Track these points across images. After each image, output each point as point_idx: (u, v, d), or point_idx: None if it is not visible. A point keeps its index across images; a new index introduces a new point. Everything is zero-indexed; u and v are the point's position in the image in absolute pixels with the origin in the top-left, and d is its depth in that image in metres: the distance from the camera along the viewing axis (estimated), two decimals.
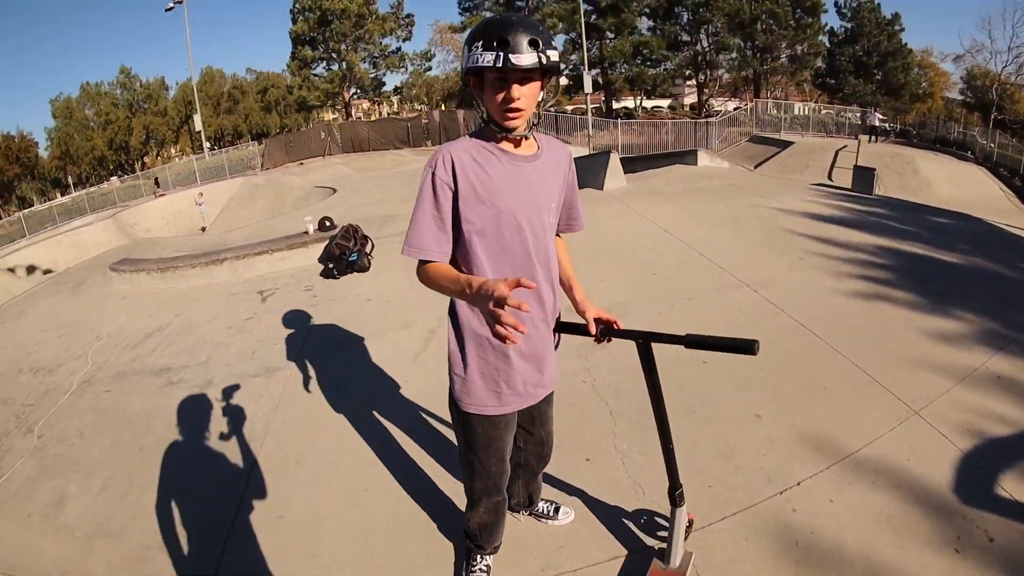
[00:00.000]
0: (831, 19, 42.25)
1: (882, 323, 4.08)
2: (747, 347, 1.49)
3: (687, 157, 11.82)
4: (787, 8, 38.51)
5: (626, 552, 2.35)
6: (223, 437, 3.75)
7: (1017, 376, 3.38)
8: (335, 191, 17.24)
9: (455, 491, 2.79)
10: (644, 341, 1.79)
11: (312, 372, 4.39)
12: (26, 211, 31.24)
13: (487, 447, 1.89)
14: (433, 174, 1.63)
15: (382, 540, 2.62)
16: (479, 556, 2.22)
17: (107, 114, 53.61)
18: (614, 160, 8.97)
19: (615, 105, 43.61)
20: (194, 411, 4.21)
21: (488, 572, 2.21)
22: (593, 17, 39.00)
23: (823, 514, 2.42)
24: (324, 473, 3.18)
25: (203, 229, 21.36)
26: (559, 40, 40.57)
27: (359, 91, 43.16)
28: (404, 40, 42.41)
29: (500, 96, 1.58)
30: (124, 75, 55.77)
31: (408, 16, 41.53)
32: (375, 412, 3.68)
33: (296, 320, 5.51)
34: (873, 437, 2.83)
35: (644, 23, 41.46)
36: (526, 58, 1.49)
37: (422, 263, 1.67)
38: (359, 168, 25.45)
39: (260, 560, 2.64)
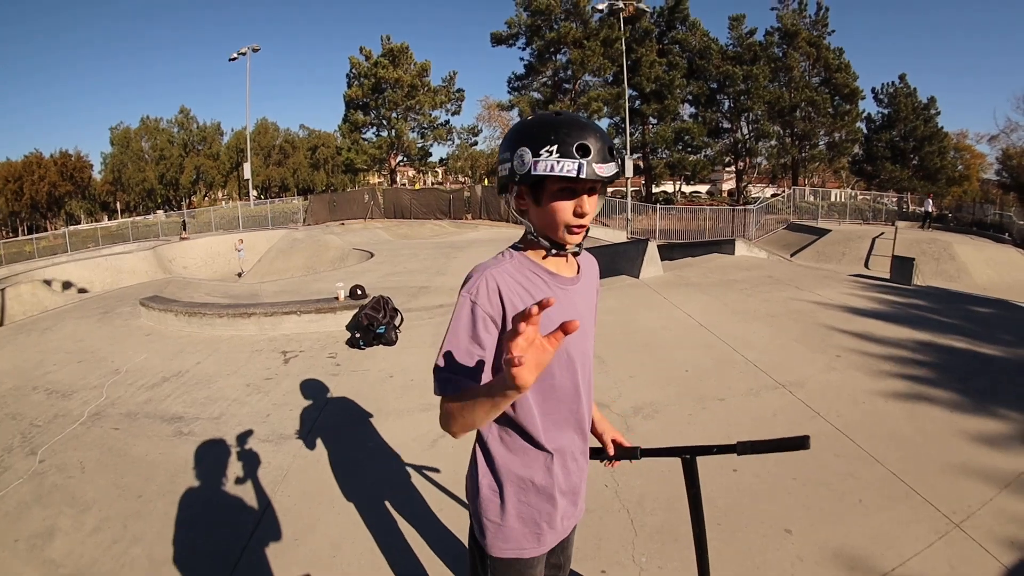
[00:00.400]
0: (868, 105, 42.61)
1: (922, 426, 3.87)
2: (799, 443, 1.51)
3: (725, 246, 11.70)
4: (826, 96, 39.17)
5: None
6: (224, 502, 3.63)
7: None
8: (372, 255, 17.49)
9: None
10: (691, 456, 1.69)
11: (324, 447, 4.25)
12: (71, 228, 32.36)
13: None
14: (474, 305, 1.38)
15: None
16: None
17: (162, 149, 56.51)
18: (651, 248, 8.90)
19: (654, 189, 44.19)
20: (199, 468, 4.11)
21: None
22: (637, 103, 40.10)
23: None
24: (322, 557, 3.04)
25: (239, 275, 21.82)
26: (602, 124, 41.75)
27: (405, 158, 44.44)
28: (453, 113, 43.66)
29: (568, 209, 1.40)
30: (183, 115, 59.05)
31: (459, 91, 43.00)
32: (385, 498, 3.51)
33: (315, 388, 5.42)
34: (910, 554, 2.63)
35: (686, 110, 42.37)
36: (608, 168, 1.35)
37: (447, 400, 1.39)
38: (398, 235, 25.99)
39: None
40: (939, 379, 4.65)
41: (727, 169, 46.14)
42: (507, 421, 1.49)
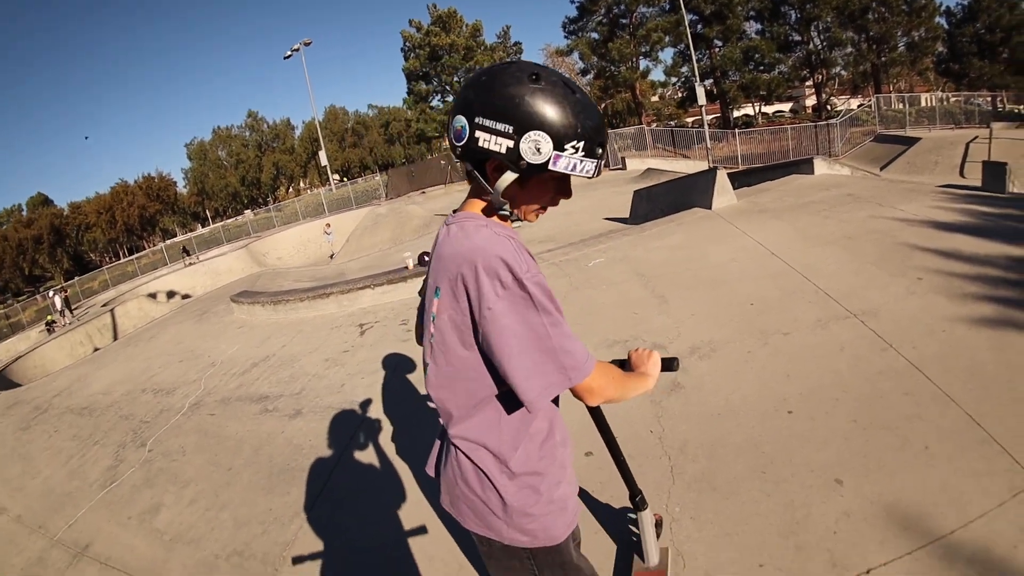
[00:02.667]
0: None
1: (1010, 359, 3.31)
2: (668, 365, 1.58)
3: (803, 167, 10.89)
4: None
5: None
6: (299, 465, 4.04)
7: None
8: None
9: None
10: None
11: (389, 410, 4.50)
12: (167, 242, 34.78)
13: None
14: (539, 282, 1.25)
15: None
16: None
17: (238, 154, 59.69)
18: (721, 177, 8.44)
19: (734, 114, 42.06)
20: (280, 439, 4.54)
21: None
22: (699, 27, 38.02)
23: None
24: (379, 508, 3.32)
25: (331, 256, 22.66)
26: (666, 53, 39.82)
27: None
28: None
29: (553, 196, 1.36)
30: (252, 118, 62.23)
31: (516, 44, 42.44)
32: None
33: (386, 354, 5.63)
34: (976, 513, 2.29)
35: (751, 27, 39.87)
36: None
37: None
38: None
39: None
40: None
41: (806, 84, 43.08)
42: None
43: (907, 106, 27.58)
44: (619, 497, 2.65)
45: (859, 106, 30.30)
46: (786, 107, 50.33)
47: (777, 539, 2.38)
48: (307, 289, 8.86)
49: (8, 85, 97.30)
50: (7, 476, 6.03)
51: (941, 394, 3.08)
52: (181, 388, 6.69)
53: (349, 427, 4.42)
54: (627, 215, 11.28)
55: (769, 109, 48.26)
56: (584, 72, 41.67)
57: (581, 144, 1.22)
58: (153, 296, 18.61)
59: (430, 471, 1.61)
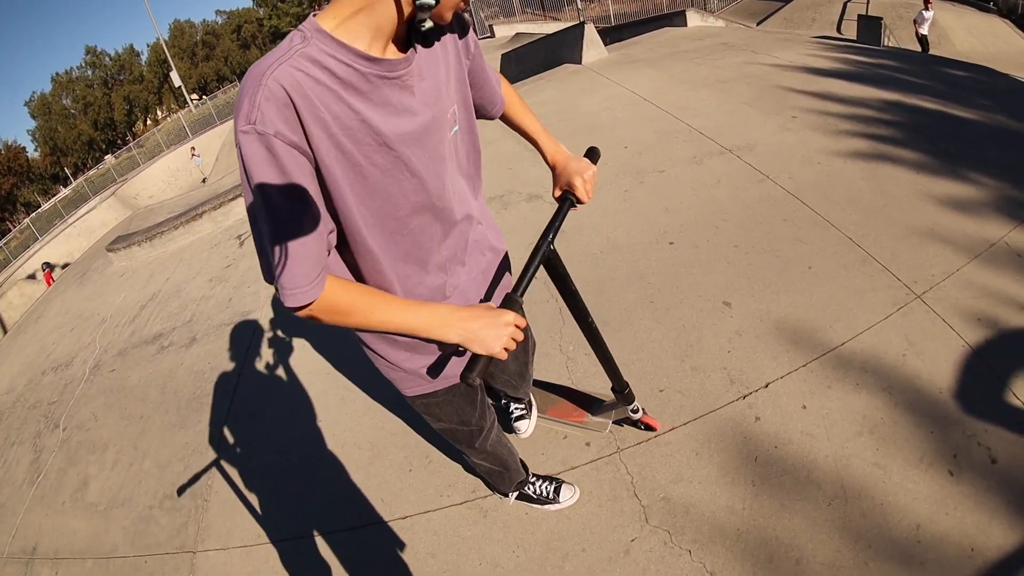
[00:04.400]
0: None
1: (884, 188, 3.53)
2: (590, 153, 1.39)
3: (675, 19, 10.90)
4: None
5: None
6: (204, 391, 4.02)
7: None
8: None
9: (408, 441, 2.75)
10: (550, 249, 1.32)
11: (279, 311, 4.46)
12: (32, 215, 31.55)
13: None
14: (270, 139, 0.88)
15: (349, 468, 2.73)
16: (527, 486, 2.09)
17: (84, 97, 53.63)
18: (590, 31, 8.31)
19: None
20: (181, 372, 4.46)
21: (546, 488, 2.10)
22: None
23: (792, 423, 2.12)
24: (286, 410, 3.35)
25: (203, 180, 21.52)
26: None
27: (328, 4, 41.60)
28: None
29: None
30: (91, 54, 55.84)
31: None
32: (333, 343, 3.74)
33: None
34: (864, 327, 2.44)
35: None
36: None
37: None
38: None
39: (237, 504, 2.91)
40: (905, 139, 4.25)
41: None
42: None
43: None
44: None
45: None
46: None
47: (673, 362, 2.49)
48: (179, 215, 8.37)
49: None
50: None
51: (820, 219, 3.24)
52: (78, 355, 6.35)
53: (244, 340, 4.34)
54: None
55: None
56: None
57: None
58: (32, 277, 17.16)
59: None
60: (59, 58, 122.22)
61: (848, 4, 17.94)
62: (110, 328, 6.41)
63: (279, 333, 4.13)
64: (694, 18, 10.66)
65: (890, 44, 9.02)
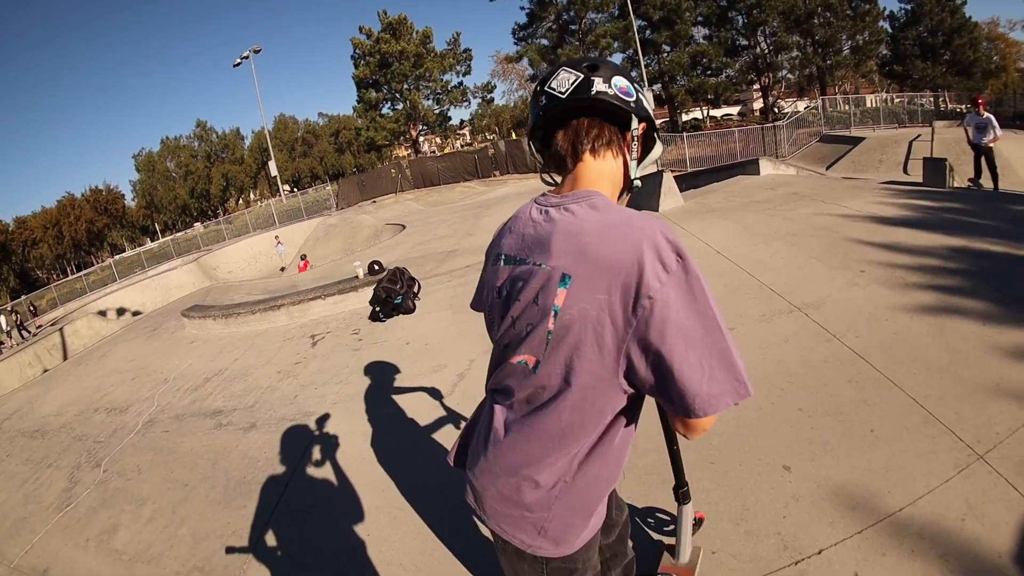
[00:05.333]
0: (890, 3, 40.37)
1: (950, 343, 3.47)
2: None
3: (749, 167, 11.25)
4: None
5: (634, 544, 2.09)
6: (255, 479, 4.00)
7: None
8: (404, 227, 17.72)
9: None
10: None
11: (341, 420, 4.50)
12: (116, 258, 33.64)
13: None
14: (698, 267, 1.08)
15: None
16: None
17: (187, 165, 57.49)
18: (667, 179, 8.64)
19: (683, 118, 42.74)
20: (235, 453, 4.49)
21: None
22: (647, 32, 38.58)
23: None
24: (335, 517, 3.32)
25: (282, 269, 22.29)
26: (615, 58, 40.43)
27: (425, 127, 44.12)
28: (464, 74, 43.02)
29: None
30: (200, 128, 59.95)
31: (466, 51, 42.23)
32: (392, 459, 3.73)
33: (338, 365, 5.63)
34: (923, 491, 2.36)
35: (699, 32, 40.53)
36: None
37: None
38: (428, 203, 26.19)
39: None
40: (972, 288, 4.21)
41: (754, 88, 44.03)
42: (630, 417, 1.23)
43: (852, 107, 28.58)
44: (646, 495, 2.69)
45: (805, 108, 31.15)
46: (734, 110, 51.49)
47: (728, 525, 2.42)
48: (258, 301, 8.71)
49: None
50: None
51: (884, 379, 3.19)
52: (134, 406, 6.57)
53: (303, 439, 4.39)
54: None
55: (717, 112, 49.23)
56: (533, 79, 42.08)
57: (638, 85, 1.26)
58: (103, 314, 17.93)
59: (450, 461, 1.51)
60: (171, 123, 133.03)
61: (913, 143, 17.98)
62: (171, 390, 6.61)
63: (340, 440, 4.18)
64: (766, 166, 11.00)
65: (955, 184, 9.07)
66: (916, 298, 4.16)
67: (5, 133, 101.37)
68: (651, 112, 1.26)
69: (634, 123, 1.22)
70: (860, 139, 20.17)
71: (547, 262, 1.12)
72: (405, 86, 41.03)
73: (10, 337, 20.50)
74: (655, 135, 1.30)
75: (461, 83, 43.03)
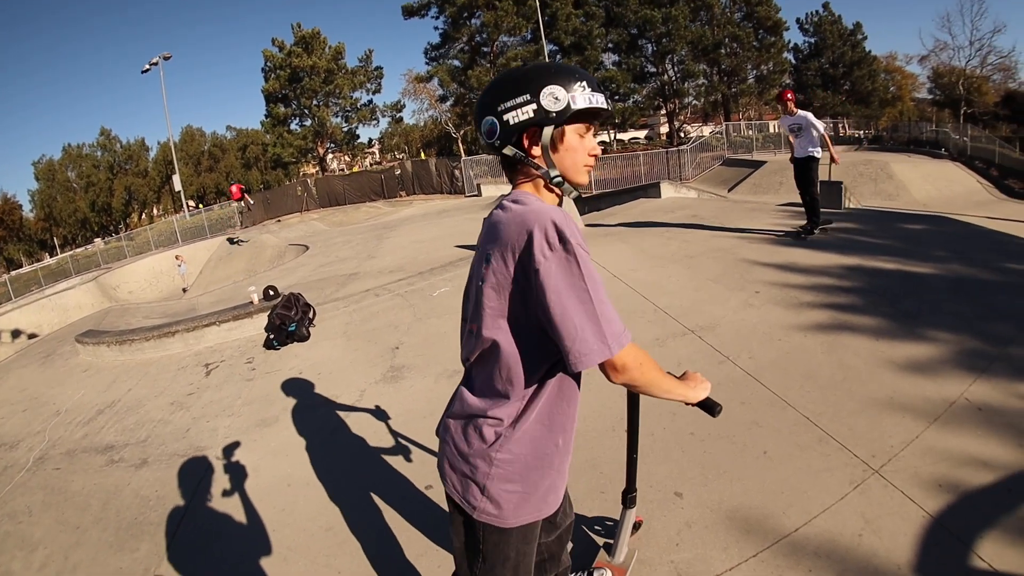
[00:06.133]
0: (794, 36, 43.29)
1: (843, 360, 3.61)
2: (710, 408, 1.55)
3: (651, 190, 11.59)
4: (749, 30, 38.97)
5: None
6: (147, 519, 3.79)
7: (1003, 402, 2.95)
8: (307, 248, 17.38)
9: None
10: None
11: (233, 454, 4.33)
12: (12, 274, 31.11)
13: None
14: (585, 252, 1.30)
15: None
16: None
17: (89, 176, 54.35)
18: (567, 203, 8.79)
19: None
20: (126, 492, 4.23)
21: None
22: (558, 57, 39.00)
23: None
24: (227, 555, 3.18)
25: (184, 290, 21.31)
26: None
27: (333, 145, 43.23)
28: (374, 92, 42.43)
29: (588, 147, 1.46)
30: (104, 136, 56.76)
31: (377, 69, 41.69)
32: (280, 495, 3.59)
33: (231, 396, 5.42)
34: (818, 510, 2.40)
35: (609, 59, 41.45)
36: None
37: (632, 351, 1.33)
38: (333, 223, 25.66)
39: None
40: (865, 305, 4.41)
41: (661, 113, 45.42)
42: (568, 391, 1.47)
43: (755, 132, 30.24)
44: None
45: (710, 133, 32.72)
46: (641, 134, 53.32)
47: None
48: (152, 328, 8.26)
49: None
50: None
51: (777, 399, 3.28)
52: (25, 440, 6.07)
53: (195, 475, 4.17)
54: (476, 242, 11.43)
55: (624, 136, 50.74)
56: (443, 99, 41.80)
57: (584, 82, 1.40)
58: None
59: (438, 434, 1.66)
60: (74, 128, 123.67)
61: None
62: (63, 423, 6.18)
63: (231, 477, 4.01)
64: (668, 189, 11.37)
65: (850, 206, 9.66)
66: (810, 317, 4.33)
67: None
68: (522, 119, 1.41)
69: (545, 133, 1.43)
70: (761, 163, 21.41)
71: (483, 246, 1.42)
72: (314, 102, 40.04)
73: None
74: (547, 117, 1.44)
75: (371, 101, 42.39)
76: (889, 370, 3.41)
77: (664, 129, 49.35)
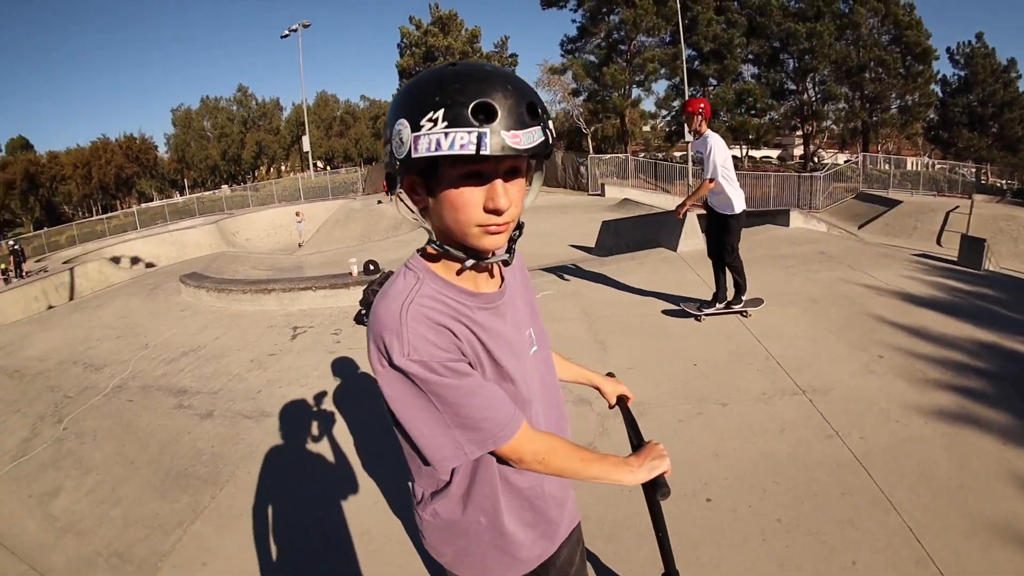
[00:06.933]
0: (943, 67, 38.57)
1: (964, 461, 3.03)
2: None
3: (779, 217, 10.79)
4: (896, 55, 35.48)
5: None
6: (195, 473, 3.88)
7: None
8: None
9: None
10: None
11: (294, 427, 4.32)
12: (141, 206, 33.97)
13: None
14: (424, 363, 1.00)
15: None
16: None
17: (223, 127, 58.54)
18: (691, 219, 8.30)
19: None
20: (185, 441, 4.36)
21: None
22: (696, 63, 37.53)
23: None
24: (262, 530, 3.18)
25: (300, 245, 22.28)
26: (660, 85, 39.38)
27: None
28: None
29: (476, 203, 0.98)
30: (241, 92, 60.79)
31: (512, 56, 41.97)
32: (328, 484, 3.53)
33: (309, 365, 5.42)
34: None
35: (748, 70, 39.35)
36: (529, 135, 0.92)
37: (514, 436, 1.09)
38: None
39: None
40: (997, 395, 3.72)
41: (796, 134, 42.84)
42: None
43: (893, 167, 27.96)
44: None
45: (845, 162, 30.58)
46: (774, 153, 50.68)
47: None
48: (251, 281, 8.59)
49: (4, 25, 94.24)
50: None
51: (883, 498, 2.78)
52: (111, 366, 6.49)
53: (252, 440, 4.17)
54: (594, 244, 11.08)
55: (757, 153, 48.25)
56: (575, 93, 41.20)
57: (440, 113, 0.90)
58: (116, 260, 18.05)
59: None
60: (213, 83, 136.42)
61: (951, 214, 17.37)
62: (148, 357, 6.52)
63: (284, 450, 3.99)
64: (797, 219, 10.52)
65: (990, 267, 8.50)
66: (934, 398, 3.72)
67: (46, 64, 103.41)
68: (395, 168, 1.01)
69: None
70: (897, 202, 19.76)
71: None
72: None
73: (4, 276, 20.67)
74: (392, 166, 1.04)
75: None
76: (1012, 486, 2.83)
77: (798, 151, 46.73)
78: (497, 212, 0.98)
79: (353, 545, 2.88)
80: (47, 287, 14.06)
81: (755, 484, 2.91)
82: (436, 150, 0.90)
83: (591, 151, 36.28)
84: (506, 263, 1.14)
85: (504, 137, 0.90)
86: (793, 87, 38.87)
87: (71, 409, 5.41)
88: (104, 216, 31.36)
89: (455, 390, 1.01)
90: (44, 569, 3.27)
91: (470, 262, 1.05)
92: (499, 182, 0.97)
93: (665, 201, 22.25)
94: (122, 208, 50.63)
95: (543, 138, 0.94)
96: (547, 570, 1.32)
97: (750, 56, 38.64)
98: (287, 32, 37.06)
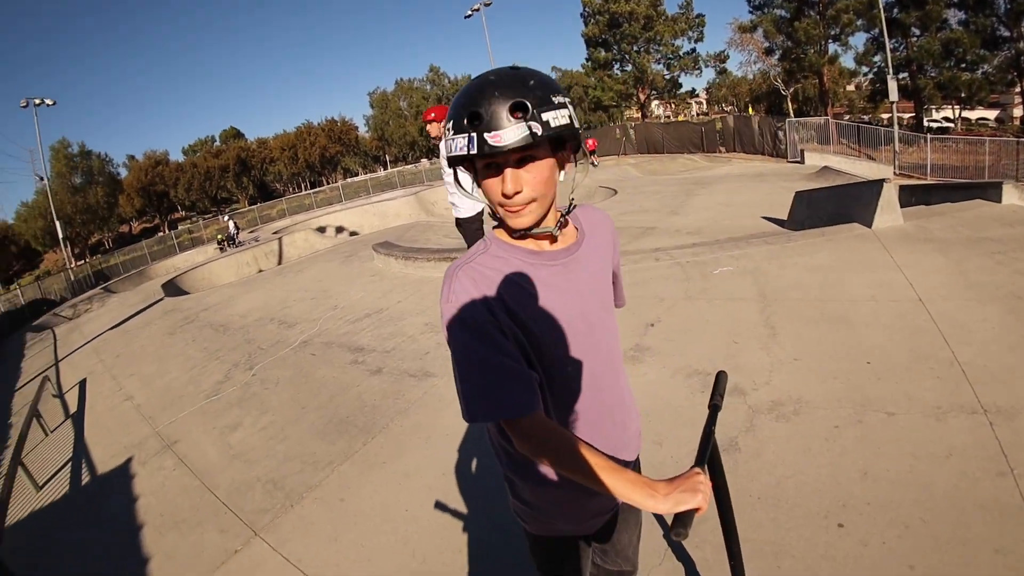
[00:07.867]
0: None
1: None
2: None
3: (991, 191, 8.85)
4: None
5: None
6: (354, 422, 4.32)
7: None
8: (615, 192, 17.57)
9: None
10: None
11: (449, 391, 4.44)
12: (347, 180, 37.31)
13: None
14: (458, 314, 1.17)
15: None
16: None
17: (418, 105, 62.12)
18: (888, 192, 7.03)
19: (935, 115, 36.30)
20: (352, 392, 4.85)
21: None
22: (894, 11, 31.99)
23: None
24: (396, 479, 3.47)
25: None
26: (858, 39, 34.61)
27: (655, 92, 42.53)
28: (697, 41, 40.62)
29: (495, 188, 1.16)
30: (433, 72, 64.52)
31: (699, 16, 39.68)
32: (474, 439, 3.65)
33: None
34: None
35: (954, 16, 32.18)
36: (508, 134, 1.07)
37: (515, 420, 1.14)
38: (647, 171, 25.77)
39: (310, 528, 3.22)
40: None
41: (1015, 91, 34.93)
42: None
43: None
44: None
45: None
46: (991, 115, 42.13)
47: None
48: (436, 250, 9.05)
49: (218, 30, 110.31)
50: (144, 372, 7.07)
51: None
52: (301, 324, 7.24)
53: (410, 398, 4.46)
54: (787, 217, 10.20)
55: (972, 115, 40.89)
56: (768, 52, 38.00)
57: (451, 122, 1.14)
58: (322, 230, 19.91)
59: None
60: (405, 66, 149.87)
61: None
62: (335, 317, 7.16)
63: (436, 413, 4.17)
64: (1011, 194, 8.49)
65: None
66: None
67: (260, 62, 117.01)
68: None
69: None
70: None
71: None
72: (634, 48, 39.68)
73: (223, 245, 23.59)
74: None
75: (694, 50, 40.81)
76: None
77: (1018, 112, 38.57)
78: (508, 196, 1.15)
79: (470, 522, 2.93)
80: (257, 254, 15.96)
81: (898, 517, 2.43)
82: (452, 151, 1.14)
83: (791, 114, 33.15)
84: (553, 237, 1.27)
85: (486, 137, 1.08)
86: (1007, 34, 30.91)
87: (261, 359, 6.25)
88: (311, 191, 34.90)
89: (478, 347, 1.13)
90: (212, 486, 3.90)
91: (516, 232, 1.23)
92: (509, 171, 1.13)
93: (868, 170, 19.69)
94: (328, 184, 56.61)
95: (526, 133, 1.08)
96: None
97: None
98: (470, 12, 37.43)
